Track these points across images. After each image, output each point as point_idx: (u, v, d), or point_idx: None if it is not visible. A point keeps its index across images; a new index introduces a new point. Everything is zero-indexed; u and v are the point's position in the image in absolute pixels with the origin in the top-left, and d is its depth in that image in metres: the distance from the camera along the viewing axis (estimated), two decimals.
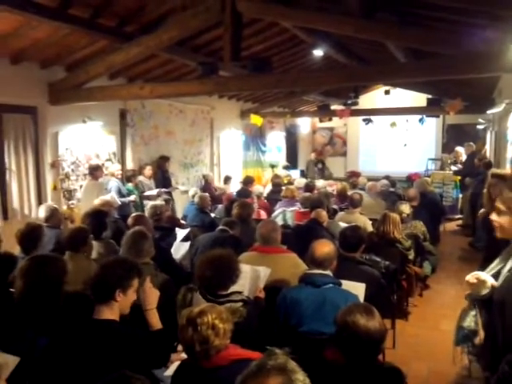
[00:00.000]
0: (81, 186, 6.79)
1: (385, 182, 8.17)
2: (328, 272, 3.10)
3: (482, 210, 5.59)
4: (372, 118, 11.97)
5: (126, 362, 2.12)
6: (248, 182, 8.85)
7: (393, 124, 13.26)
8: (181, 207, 8.14)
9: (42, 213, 4.75)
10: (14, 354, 2.31)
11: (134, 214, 4.81)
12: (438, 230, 7.33)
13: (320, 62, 8.82)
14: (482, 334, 2.29)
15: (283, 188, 7.79)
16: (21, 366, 2.26)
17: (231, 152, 11.24)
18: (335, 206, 6.90)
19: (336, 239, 4.04)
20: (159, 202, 5.74)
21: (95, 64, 5.84)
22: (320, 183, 9.05)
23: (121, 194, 6.75)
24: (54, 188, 6.52)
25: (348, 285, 3.20)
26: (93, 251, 4.00)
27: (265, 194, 8.61)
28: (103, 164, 7.14)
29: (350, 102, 11.38)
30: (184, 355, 2.22)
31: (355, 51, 8.10)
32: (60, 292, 2.68)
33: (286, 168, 12.87)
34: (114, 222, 5.23)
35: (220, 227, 4.76)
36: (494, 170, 6.89)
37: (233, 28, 5.09)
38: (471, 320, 2.33)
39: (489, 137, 10.96)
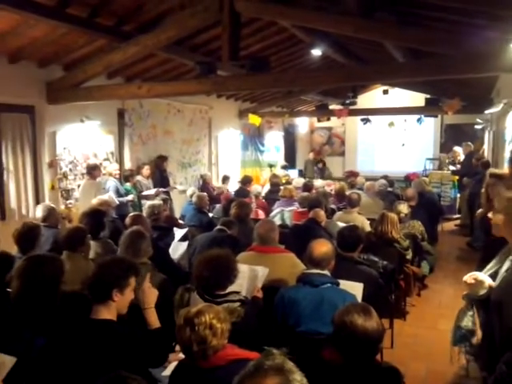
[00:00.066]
0: (79, 186, 6.77)
1: (383, 181, 8.18)
2: (326, 272, 3.10)
3: (480, 210, 5.60)
4: (370, 117, 11.97)
5: (123, 362, 2.12)
6: (246, 181, 8.84)
7: (391, 124, 13.28)
8: (179, 207, 8.13)
9: (39, 212, 4.74)
10: (11, 354, 2.30)
11: (131, 214, 4.80)
12: (435, 230, 7.33)
13: (318, 62, 8.82)
14: (479, 333, 2.29)
15: (281, 188, 7.78)
16: (18, 366, 2.26)
17: (229, 152, 11.23)
18: (333, 206, 6.91)
19: (334, 239, 4.05)
20: (157, 201, 5.73)
21: (93, 63, 5.82)
22: (318, 183, 9.06)
23: (119, 194, 6.74)
24: (52, 188, 6.51)
25: (346, 284, 3.20)
26: (90, 251, 3.99)
27: (263, 194, 8.61)
28: (101, 163, 7.12)
29: (348, 101, 11.37)
30: (182, 355, 2.21)
31: (354, 51, 8.11)
32: (57, 292, 2.67)
33: (284, 168, 12.88)
34: (111, 221, 5.22)
35: (218, 227, 4.76)
36: (492, 170, 6.90)
37: (231, 27, 5.08)
38: (469, 320, 2.33)
39: (487, 137, 10.98)
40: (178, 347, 2.52)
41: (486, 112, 9.31)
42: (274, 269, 3.39)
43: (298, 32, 6.78)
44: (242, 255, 3.65)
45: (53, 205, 5.07)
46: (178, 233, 5.40)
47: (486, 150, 10.70)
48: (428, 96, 10.06)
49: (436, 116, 11.71)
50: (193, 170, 9.88)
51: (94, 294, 2.31)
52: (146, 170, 7.81)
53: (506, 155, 7.44)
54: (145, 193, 7.38)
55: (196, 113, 9.82)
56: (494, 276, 2.18)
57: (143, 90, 5.84)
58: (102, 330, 2.23)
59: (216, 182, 10.22)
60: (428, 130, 13.47)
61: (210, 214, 6.80)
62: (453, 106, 9.15)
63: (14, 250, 3.77)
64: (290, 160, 14.49)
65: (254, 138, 12.48)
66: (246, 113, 11.33)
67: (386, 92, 11.88)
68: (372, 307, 2.20)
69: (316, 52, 7.40)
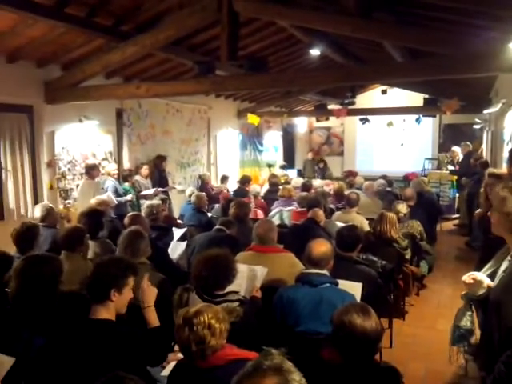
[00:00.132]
0: (77, 186, 6.77)
1: (382, 181, 8.18)
2: (325, 271, 3.10)
3: (479, 211, 5.61)
4: (369, 117, 11.97)
5: (122, 362, 2.12)
6: (245, 181, 8.85)
7: (390, 124, 13.29)
8: (177, 207, 8.12)
9: (37, 212, 4.73)
10: (9, 354, 2.30)
11: (130, 214, 4.80)
12: (434, 230, 7.35)
13: (317, 62, 8.81)
14: (478, 333, 2.29)
15: (280, 187, 7.77)
16: (16, 366, 2.26)
17: (228, 151, 11.23)
18: (332, 206, 6.91)
19: (333, 239, 4.05)
20: (156, 201, 5.72)
21: (91, 63, 5.82)
22: (317, 182, 9.06)
23: (117, 194, 6.74)
24: (51, 187, 6.50)
25: (345, 284, 3.20)
26: (89, 251, 3.99)
27: (262, 194, 8.60)
28: (100, 163, 7.12)
29: (346, 101, 11.37)
30: (180, 355, 2.21)
31: (352, 51, 8.11)
32: (56, 292, 2.67)
33: (282, 167, 12.88)
34: (110, 221, 5.22)
35: (217, 227, 4.75)
36: (490, 170, 6.89)
37: (229, 27, 5.08)
38: (467, 319, 2.33)
39: (485, 136, 10.99)
40: (176, 347, 2.52)
41: (485, 112, 9.31)
42: (273, 269, 3.39)
43: (296, 32, 6.78)
44: (240, 255, 3.65)
45: (51, 205, 5.07)
46: (177, 232, 5.40)
47: (485, 149, 10.71)
48: (426, 96, 10.07)
49: (434, 116, 11.72)
50: (191, 169, 9.87)
51: (93, 293, 2.31)
52: (145, 170, 7.80)
53: (505, 155, 7.44)
54: (143, 192, 7.38)
55: (195, 113, 9.82)
56: (492, 276, 2.18)
57: (142, 89, 5.84)
58: (101, 330, 2.23)
59: (215, 182, 10.22)
60: (426, 129, 13.47)
61: (209, 214, 6.80)
62: (451, 106, 9.16)
63: (12, 249, 3.76)
64: (289, 160, 14.49)
65: (252, 137, 12.48)
66: (244, 112, 11.33)
67: (384, 92, 11.87)
68: (371, 307, 2.20)
69: (314, 52, 7.40)
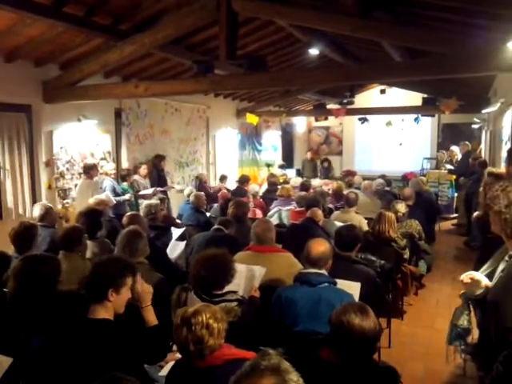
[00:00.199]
0: (75, 185, 6.76)
1: (380, 181, 8.17)
2: (323, 271, 3.10)
3: (477, 213, 5.61)
4: (368, 117, 11.97)
5: (120, 362, 2.11)
6: (244, 181, 8.84)
7: (388, 123, 13.29)
8: (176, 206, 8.11)
9: (36, 211, 4.72)
10: (7, 354, 2.29)
11: (128, 213, 4.79)
12: (433, 229, 7.35)
13: (315, 61, 8.81)
14: (475, 333, 2.29)
15: (279, 187, 7.78)
16: (14, 366, 2.25)
17: (227, 151, 11.23)
18: (331, 205, 6.91)
19: (331, 238, 4.04)
20: (154, 201, 5.72)
21: (90, 62, 5.81)
22: (316, 182, 9.05)
23: (115, 193, 6.73)
24: (49, 187, 6.49)
25: (343, 284, 3.20)
26: (87, 250, 3.98)
27: (260, 193, 8.60)
28: (98, 163, 7.11)
29: (345, 101, 11.38)
30: (178, 355, 2.21)
31: (351, 50, 8.11)
32: (54, 292, 2.66)
33: (281, 167, 12.86)
34: (108, 221, 5.21)
35: (215, 226, 4.75)
36: (490, 169, 6.91)
37: (228, 26, 5.08)
38: (465, 319, 2.33)
39: (484, 136, 11.00)
40: (175, 347, 2.52)
41: (483, 111, 9.33)
42: (272, 268, 3.39)
43: (295, 31, 6.78)
44: (239, 255, 3.64)
45: (50, 204, 5.06)
46: (176, 232, 5.40)
47: (483, 149, 10.72)
48: (425, 95, 10.08)
49: (433, 115, 11.72)
50: (190, 169, 9.87)
51: (91, 293, 2.31)
52: (144, 170, 7.80)
53: (503, 154, 7.46)
54: (142, 192, 7.37)
55: (193, 112, 9.81)
56: (490, 276, 2.18)
57: (140, 89, 5.83)
58: (99, 330, 2.23)
59: (214, 182, 10.22)
60: (425, 129, 13.48)
61: (208, 214, 6.80)
62: (450, 106, 9.16)
63: (10, 249, 3.75)
64: (288, 159, 14.49)
65: (251, 137, 12.48)
66: (243, 112, 11.32)
67: (383, 91, 11.88)
68: (369, 306, 2.20)
69: (313, 51, 7.38)
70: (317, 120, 14.26)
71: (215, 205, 7.39)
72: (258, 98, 11.65)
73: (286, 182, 9.48)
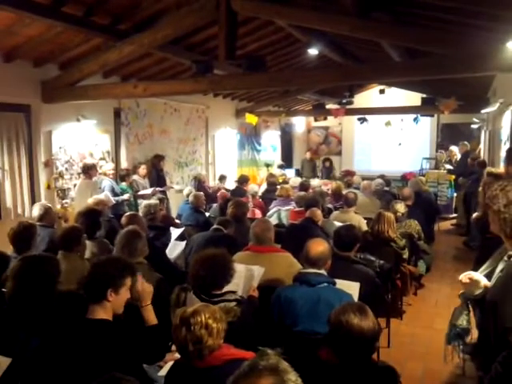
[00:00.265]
0: (74, 185, 6.75)
1: (379, 181, 8.17)
2: (322, 271, 3.10)
3: (477, 213, 5.61)
4: (367, 117, 11.98)
5: (119, 362, 2.11)
6: (243, 181, 8.84)
7: (387, 123, 13.29)
8: (175, 206, 8.11)
9: (36, 211, 4.72)
10: (6, 354, 2.29)
11: (127, 213, 4.79)
12: (432, 229, 7.35)
13: (315, 61, 8.81)
14: (474, 332, 2.29)
15: (278, 187, 7.78)
16: (13, 366, 2.25)
17: (226, 151, 11.22)
18: (330, 205, 6.91)
19: (331, 238, 4.04)
20: (153, 200, 5.71)
21: (89, 62, 5.80)
22: (315, 182, 9.05)
23: (114, 193, 6.72)
24: (48, 187, 6.49)
25: (342, 284, 3.20)
26: (86, 250, 3.98)
27: (260, 193, 8.60)
28: (97, 163, 7.10)
29: (344, 101, 11.39)
30: (178, 355, 2.21)
31: (350, 50, 8.11)
32: (53, 292, 2.66)
33: (280, 167, 12.86)
34: (107, 221, 5.21)
35: (214, 226, 4.74)
36: (489, 169, 6.92)
37: (227, 26, 5.07)
38: (464, 319, 2.33)
39: (483, 136, 11.00)
40: (174, 347, 2.52)
41: (483, 111, 9.33)
42: (271, 268, 3.39)
43: (294, 31, 6.78)
44: (238, 255, 3.64)
45: (49, 204, 5.06)
46: (175, 232, 5.39)
47: (482, 149, 10.73)
48: (424, 95, 10.08)
49: (432, 115, 11.73)
50: (189, 169, 9.86)
51: (89, 293, 2.30)
52: (143, 170, 7.79)
53: (502, 154, 7.46)
54: (141, 192, 7.37)
55: (193, 112, 9.81)
56: (489, 276, 2.18)
57: (139, 89, 5.83)
58: (98, 330, 2.23)
59: (213, 182, 10.22)
60: (424, 129, 13.49)
61: (207, 214, 6.79)
62: (449, 106, 9.17)
63: (9, 249, 3.75)
64: (287, 159, 14.49)
65: (250, 137, 12.48)
66: (242, 112, 11.32)
67: (382, 91, 11.88)
68: (368, 306, 2.20)
69: (312, 51, 7.38)
70: (316, 120, 14.25)
71: (214, 205, 7.38)
72: (258, 97, 11.65)
73: (285, 182, 9.48)
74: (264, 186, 9.41)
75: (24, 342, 2.39)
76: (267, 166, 12.80)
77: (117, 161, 7.78)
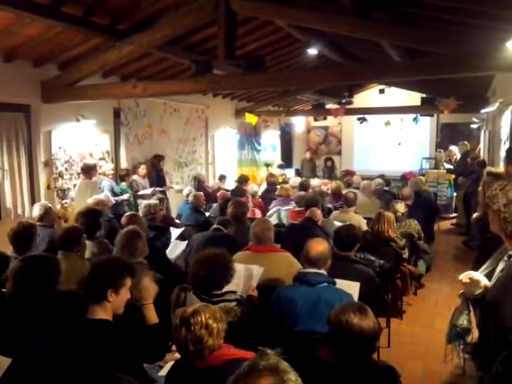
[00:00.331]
0: (74, 185, 6.75)
1: (379, 180, 8.18)
2: (322, 271, 3.10)
3: (477, 214, 5.61)
4: (366, 116, 11.99)
5: (118, 362, 2.11)
6: (243, 180, 8.84)
7: (387, 123, 13.30)
8: (175, 206, 8.11)
9: (36, 211, 4.73)
10: (6, 355, 2.29)
11: (127, 213, 4.79)
12: (432, 229, 7.35)
13: (314, 61, 8.82)
14: (475, 332, 2.29)
15: (278, 187, 7.78)
16: (13, 366, 2.25)
17: (226, 151, 11.22)
18: (330, 205, 6.91)
19: (330, 238, 4.04)
20: (153, 200, 5.71)
21: (88, 62, 5.80)
22: (315, 182, 9.05)
23: (113, 193, 6.72)
24: (48, 187, 6.48)
25: (342, 284, 3.20)
26: (86, 250, 3.98)
27: (259, 193, 8.60)
28: (97, 163, 7.09)
29: (344, 100, 11.39)
30: (178, 355, 2.21)
31: (350, 50, 8.11)
32: (53, 293, 2.66)
33: (280, 167, 12.87)
34: (107, 221, 5.21)
35: (214, 226, 4.74)
36: (489, 169, 6.93)
37: (227, 26, 5.07)
38: (464, 319, 2.33)
39: (482, 136, 11.00)
40: (174, 347, 2.52)
41: (482, 111, 9.33)
42: (271, 268, 3.39)
43: (293, 31, 6.77)
44: (238, 255, 3.64)
45: (50, 204, 5.06)
46: (175, 232, 5.39)
47: (482, 149, 10.73)
48: (424, 95, 10.08)
49: (432, 115, 11.73)
50: (189, 169, 9.86)
51: (89, 293, 2.30)
52: (143, 170, 7.79)
53: (502, 154, 7.46)
54: (141, 192, 7.36)
55: (192, 112, 9.81)
56: (489, 276, 2.18)
57: (138, 89, 5.83)
58: (98, 330, 2.22)
59: (213, 182, 10.21)
60: (424, 129, 13.49)
61: (207, 214, 6.79)
62: (449, 105, 9.17)
63: (9, 249, 3.74)
64: (287, 159, 14.49)
65: (250, 137, 12.48)
66: (242, 112, 11.32)
67: (382, 91, 11.88)
68: (368, 306, 2.19)
69: (312, 51, 7.39)
70: (316, 120, 14.24)
71: (214, 205, 7.38)
72: (257, 97, 11.65)
73: (285, 181, 9.48)
74: (264, 186, 9.41)
75: (24, 341, 2.39)
76: (267, 165, 12.81)
77: (116, 161, 7.78)
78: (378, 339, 2.18)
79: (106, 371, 1.71)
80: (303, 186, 7.70)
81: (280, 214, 6.44)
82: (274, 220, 6.03)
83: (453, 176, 10.29)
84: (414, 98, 11.17)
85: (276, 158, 13.94)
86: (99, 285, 2.28)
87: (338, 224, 4.96)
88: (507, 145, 6.91)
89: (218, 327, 2.04)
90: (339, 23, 5.01)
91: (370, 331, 2.07)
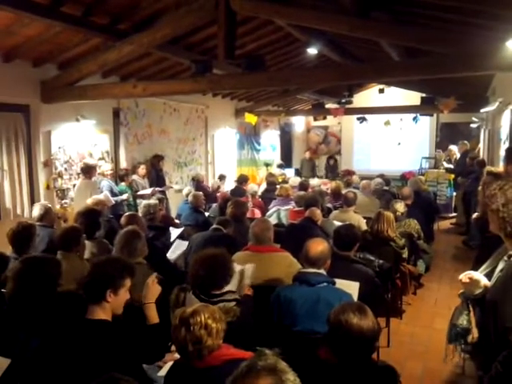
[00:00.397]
0: (74, 185, 6.75)
1: (379, 180, 8.17)
2: (322, 271, 3.10)
3: (476, 214, 5.61)
4: (366, 116, 11.99)
5: (118, 362, 2.11)
6: (242, 180, 8.84)
7: (387, 123, 13.30)
8: (175, 206, 8.11)
9: (36, 211, 4.72)
10: (5, 355, 2.29)
11: (127, 214, 4.79)
12: (431, 229, 7.35)
13: (314, 61, 8.82)
14: (475, 332, 2.29)
15: (277, 187, 7.78)
16: (13, 367, 2.25)
17: (225, 151, 11.22)
18: (329, 205, 6.90)
19: (330, 238, 4.04)
20: (153, 200, 5.71)
21: (88, 62, 5.80)
22: (315, 182, 9.06)
23: (112, 193, 6.72)
24: (47, 187, 6.48)
25: (342, 283, 3.19)
26: (86, 251, 3.97)
27: (259, 193, 8.59)
28: (96, 163, 7.10)
29: (344, 100, 11.40)
30: (177, 355, 2.21)
31: (349, 49, 8.11)
32: (54, 293, 2.66)
33: (280, 167, 12.86)
34: (107, 221, 5.20)
35: (214, 226, 4.74)
36: (488, 168, 6.92)
37: (227, 26, 5.07)
38: (464, 318, 2.33)
39: (482, 135, 11.00)
40: (173, 347, 2.52)
41: (482, 111, 9.32)
42: (270, 268, 3.39)
43: (293, 31, 6.77)
44: (237, 255, 3.63)
45: (49, 204, 5.05)
46: (174, 232, 5.39)
47: (482, 148, 10.73)
48: (423, 95, 10.07)
49: (432, 115, 11.73)
50: (189, 169, 9.86)
51: (89, 294, 2.30)
52: (142, 170, 7.78)
53: (501, 153, 7.46)
54: (141, 192, 7.36)
55: (192, 112, 9.81)
56: (489, 275, 2.18)
57: (138, 88, 5.83)
58: (97, 330, 2.22)
59: (212, 180, 10.20)
60: (424, 128, 13.49)
61: (206, 214, 6.79)
62: (448, 105, 9.16)
63: (8, 250, 3.74)
64: (286, 159, 14.49)
65: (250, 136, 12.48)
66: (242, 112, 11.32)
67: (381, 91, 11.88)
68: (368, 306, 2.19)
69: (312, 51, 7.37)
70: (315, 119, 14.23)
71: (214, 205, 7.38)
72: (257, 97, 11.65)
73: (285, 181, 9.48)
74: (263, 186, 9.40)
75: (24, 342, 2.39)
76: (267, 165, 12.81)
77: (116, 161, 7.78)
78: (377, 339, 2.18)
79: (105, 371, 1.71)
80: (303, 186, 7.70)
81: (280, 213, 6.43)
82: (273, 220, 6.03)
83: (452, 175, 10.29)
84: (413, 97, 11.17)
85: (276, 157, 13.94)
86: (98, 285, 2.27)
87: (337, 224, 4.95)
88: (507, 144, 6.90)
89: (218, 327, 2.04)
90: (339, 23, 5.01)
91: (370, 331, 2.07)
